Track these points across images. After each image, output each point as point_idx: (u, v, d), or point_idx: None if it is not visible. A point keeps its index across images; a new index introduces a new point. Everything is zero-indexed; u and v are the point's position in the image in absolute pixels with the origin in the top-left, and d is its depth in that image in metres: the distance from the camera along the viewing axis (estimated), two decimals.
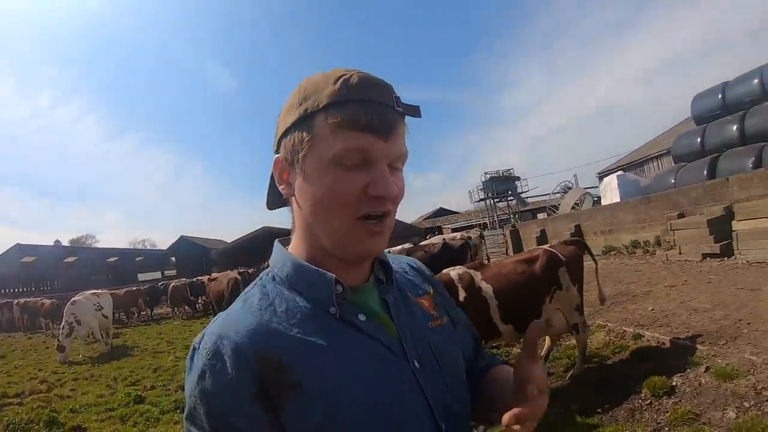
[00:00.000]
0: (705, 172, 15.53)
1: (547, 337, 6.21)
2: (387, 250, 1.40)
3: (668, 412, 4.46)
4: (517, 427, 0.86)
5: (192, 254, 57.00)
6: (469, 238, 13.52)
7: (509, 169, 42.09)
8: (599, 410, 4.82)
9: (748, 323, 6.03)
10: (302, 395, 0.82)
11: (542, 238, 21.62)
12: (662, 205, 15.22)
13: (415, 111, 0.94)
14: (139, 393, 8.07)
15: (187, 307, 22.61)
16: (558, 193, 39.32)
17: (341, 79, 0.87)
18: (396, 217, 0.99)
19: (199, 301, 22.87)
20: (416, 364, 0.93)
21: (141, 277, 55.22)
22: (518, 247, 24.42)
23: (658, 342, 6.13)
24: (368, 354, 0.89)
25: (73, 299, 13.59)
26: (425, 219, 62.73)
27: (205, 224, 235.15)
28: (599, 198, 25.01)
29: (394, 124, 0.88)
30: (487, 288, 5.31)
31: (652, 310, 7.71)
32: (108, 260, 56.52)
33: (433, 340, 1.01)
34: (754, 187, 12.11)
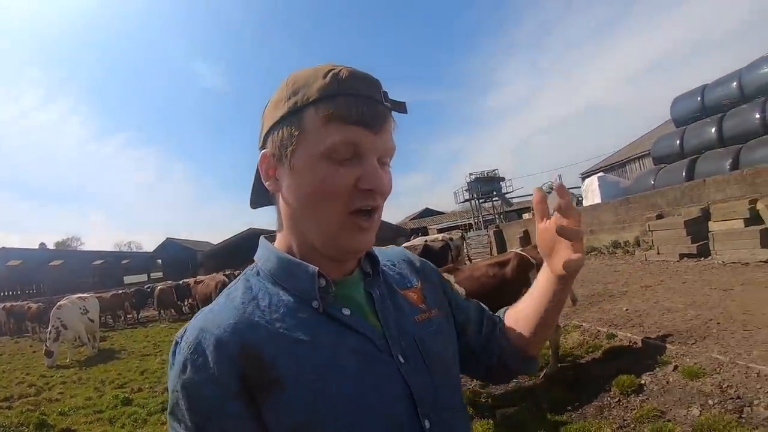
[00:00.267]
0: (683, 174, 15.68)
1: None
2: None
3: (635, 409, 4.58)
4: (564, 221, 1.01)
5: (178, 256, 56.78)
6: (451, 239, 13.64)
7: (494, 170, 42.04)
8: (569, 408, 4.95)
9: (718, 323, 6.16)
10: (283, 391, 0.81)
11: (525, 239, 21.76)
12: (642, 206, 15.41)
13: (401, 107, 0.95)
14: (126, 395, 8.16)
15: (173, 310, 22.54)
16: None
17: (331, 73, 0.87)
18: (381, 218, 0.99)
19: (186, 303, 22.79)
20: (401, 359, 0.92)
21: (127, 279, 54.91)
22: (502, 247, 24.48)
23: (630, 341, 6.26)
24: (351, 349, 0.89)
25: (59, 303, 13.55)
26: (411, 219, 62.78)
27: (191, 226, 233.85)
28: (583, 198, 25.19)
29: (383, 118, 0.89)
30: (460, 291, 5.42)
31: (627, 310, 7.85)
32: (94, 263, 55.87)
33: (419, 335, 0.99)
34: (730, 189, 12.28)
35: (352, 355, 0.88)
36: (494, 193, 42.10)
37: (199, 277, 20.19)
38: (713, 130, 15.79)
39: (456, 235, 15.20)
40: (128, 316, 23.92)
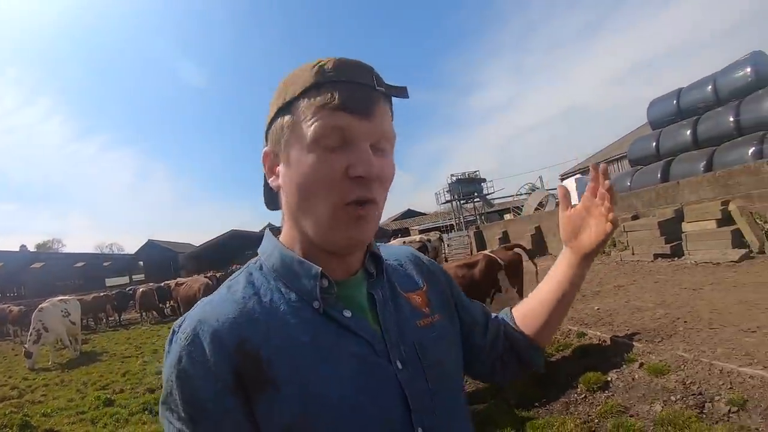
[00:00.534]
0: (659, 175, 15.88)
1: None
2: None
3: (600, 405, 4.74)
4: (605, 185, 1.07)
5: (160, 258, 56.29)
6: (428, 240, 13.75)
7: (475, 171, 41.97)
8: (537, 404, 5.08)
9: (685, 322, 6.35)
10: (277, 391, 0.81)
11: (504, 239, 21.91)
12: (618, 207, 15.03)
13: (399, 91, 0.93)
14: (108, 396, 8.19)
15: (155, 312, 22.40)
16: (522, 194, 39.59)
17: (318, 66, 0.87)
18: None
19: (167, 305, 22.66)
20: (398, 365, 0.91)
21: (109, 281, 54.39)
22: (482, 248, 24.49)
23: (600, 340, 6.42)
24: (349, 352, 0.87)
25: (40, 306, 13.46)
26: (393, 221, 62.49)
27: (173, 227, 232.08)
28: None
29: (371, 103, 0.87)
30: None
31: (598, 309, 8.03)
32: (75, 265, 55.28)
33: (419, 340, 0.98)
34: (702, 190, 12.51)
35: (350, 359, 0.87)
36: (475, 194, 42.08)
37: (180, 279, 20.02)
38: (688, 132, 15.99)
39: (434, 236, 15.34)
40: (110, 318, 23.66)
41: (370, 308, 0.96)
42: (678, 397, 4.50)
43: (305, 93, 0.86)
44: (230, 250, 49.95)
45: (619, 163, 28.15)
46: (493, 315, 1.30)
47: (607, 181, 1.08)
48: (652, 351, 5.56)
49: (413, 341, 0.96)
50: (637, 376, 5.14)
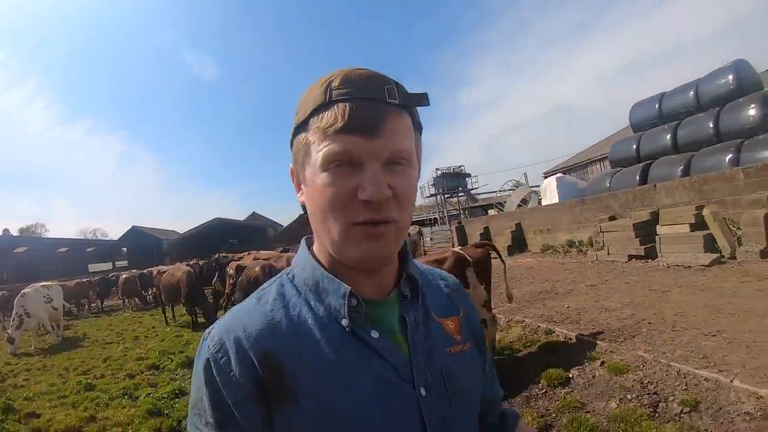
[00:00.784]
0: (637, 178, 16.08)
1: None
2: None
3: (559, 400, 4.90)
4: None
5: (144, 245, 56.26)
6: (408, 234, 13.93)
7: (460, 166, 42.19)
8: None
9: (649, 323, 6.53)
10: (297, 404, 0.81)
11: (486, 235, 22.27)
12: (596, 207, 15.81)
13: (417, 99, 0.89)
14: (89, 381, 8.35)
15: (137, 299, 22.46)
16: (506, 190, 39.73)
17: (326, 83, 0.85)
18: None
19: (150, 293, 22.66)
20: (422, 391, 0.89)
21: (92, 267, 53.66)
22: (464, 242, 24.66)
23: (566, 337, 6.62)
24: (373, 373, 0.86)
25: (23, 291, 13.48)
26: None
27: (158, 214, 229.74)
28: (541, 198, 25.57)
29: (379, 119, 0.82)
30: None
31: (568, 307, 8.24)
32: (58, 250, 54.79)
33: (448, 368, 0.96)
34: (678, 194, 12.78)
35: (372, 381, 0.86)
36: (460, 189, 42.29)
37: (162, 268, 19.85)
38: (668, 136, 16.23)
39: (413, 230, 15.38)
40: (92, 304, 23.62)
41: (400, 330, 0.95)
42: (634, 395, 4.65)
43: (315, 112, 0.85)
44: (214, 238, 49.84)
45: (602, 164, 28.24)
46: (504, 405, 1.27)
47: None
48: (614, 350, 5.72)
49: (441, 367, 0.95)
50: (597, 374, 5.31)
